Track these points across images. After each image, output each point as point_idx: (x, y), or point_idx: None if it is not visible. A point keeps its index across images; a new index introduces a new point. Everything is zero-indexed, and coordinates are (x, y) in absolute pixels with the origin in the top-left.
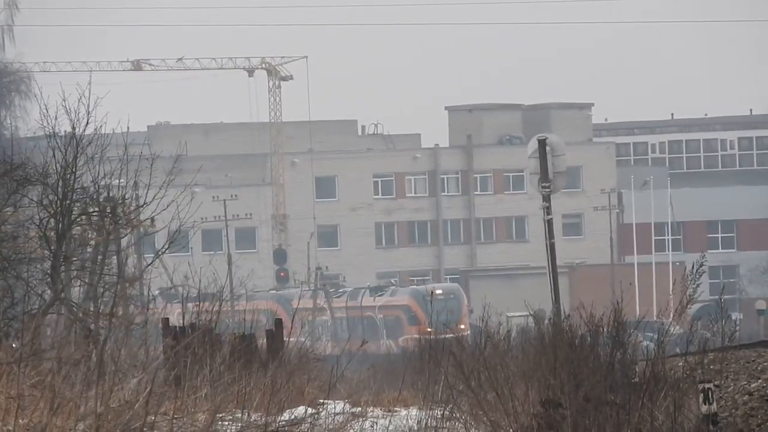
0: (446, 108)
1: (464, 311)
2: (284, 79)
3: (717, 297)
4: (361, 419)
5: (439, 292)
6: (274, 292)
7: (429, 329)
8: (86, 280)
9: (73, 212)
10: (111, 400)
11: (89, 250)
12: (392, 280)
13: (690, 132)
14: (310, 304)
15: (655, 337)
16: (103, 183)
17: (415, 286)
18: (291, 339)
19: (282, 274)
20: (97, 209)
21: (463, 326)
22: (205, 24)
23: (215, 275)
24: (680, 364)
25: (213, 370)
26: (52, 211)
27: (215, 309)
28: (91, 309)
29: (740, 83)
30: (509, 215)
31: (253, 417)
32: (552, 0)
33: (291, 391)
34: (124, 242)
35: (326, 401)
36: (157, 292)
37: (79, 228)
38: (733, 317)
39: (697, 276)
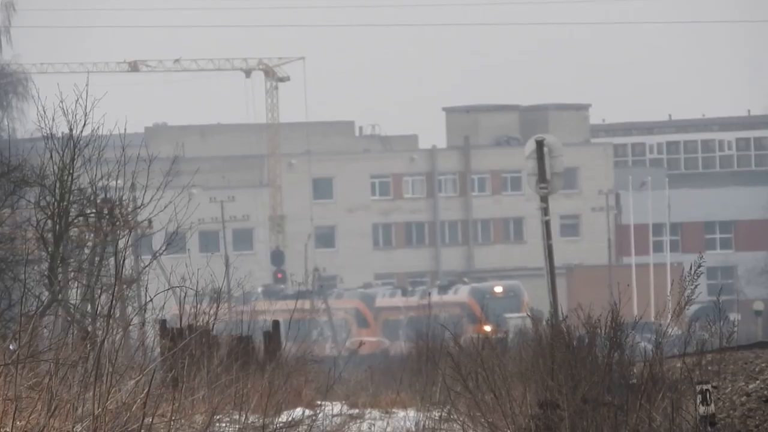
0: (443, 109)
1: (524, 309)
2: (281, 80)
3: (715, 298)
4: (358, 421)
5: (499, 290)
6: (362, 290)
7: (487, 328)
8: (84, 282)
9: (71, 214)
10: (108, 401)
11: (86, 251)
12: (464, 279)
13: (688, 133)
14: (394, 303)
15: (653, 338)
16: (100, 184)
17: (475, 284)
18: (371, 339)
19: (279, 275)
20: (94, 210)
21: None
22: (202, 25)
23: (212, 277)
24: (678, 365)
25: (210, 371)
26: (50, 213)
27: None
28: (89, 310)
29: (738, 84)
30: (507, 216)
31: (251, 418)
32: (551, 1)
33: (289, 392)
34: (121, 244)
35: (324, 403)
36: (260, 289)
37: (76, 229)
38: (731, 318)
39: (695, 277)
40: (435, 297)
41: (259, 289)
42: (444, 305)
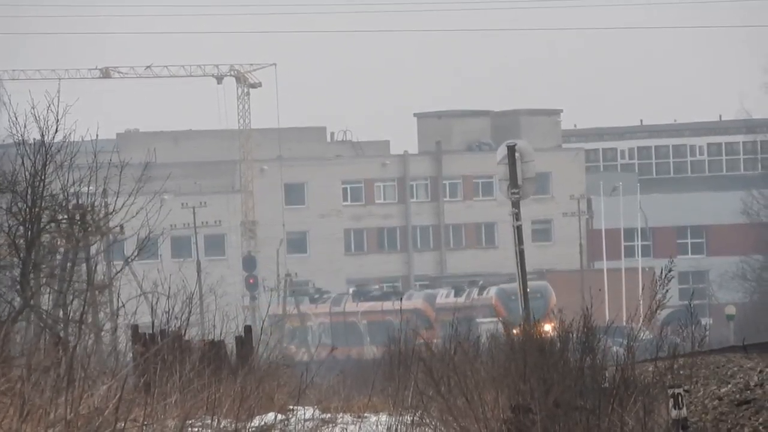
0: (415, 114)
1: (551, 312)
2: (253, 86)
3: (686, 302)
4: (330, 425)
5: None
6: (429, 291)
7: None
8: (55, 287)
9: (43, 219)
10: (81, 406)
11: (58, 257)
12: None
13: (659, 138)
14: (449, 303)
15: (625, 342)
16: (72, 190)
17: (502, 285)
18: (436, 342)
19: (251, 280)
20: (66, 216)
21: (548, 327)
22: (173, 32)
23: (184, 282)
24: (650, 369)
25: (183, 376)
26: (21, 219)
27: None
28: (61, 316)
29: (709, 89)
30: (478, 221)
31: (223, 423)
32: (521, 7)
33: (261, 397)
34: (93, 249)
35: (296, 407)
36: (351, 290)
37: (48, 235)
38: (703, 322)
39: (666, 281)
40: (475, 297)
41: (351, 290)
42: (478, 306)
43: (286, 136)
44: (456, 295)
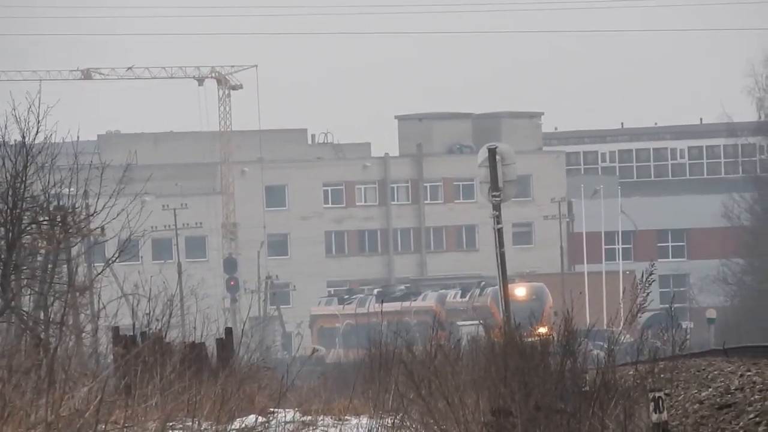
0: (396, 117)
1: (547, 313)
2: (234, 88)
3: (667, 306)
4: (311, 428)
5: (521, 293)
6: (443, 291)
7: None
8: (36, 289)
9: (23, 221)
10: (61, 408)
11: (39, 258)
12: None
13: (640, 141)
14: (455, 304)
15: (606, 345)
16: (53, 192)
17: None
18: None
19: (232, 282)
20: (47, 218)
21: (543, 329)
22: (155, 33)
23: (165, 284)
24: (631, 372)
25: (163, 378)
26: (2, 220)
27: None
28: (42, 317)
29: (690, 92)
30: (459, 224)
31: (204, 425)
32: (503, 10)
33: (241, 399)
34: (74, 251)
35: (277, 410)
36: (376, 291)
37: (29, 237)
38: (684, 326)
39: (647, 284)
40: (476, 298)
41: (375, 291)
42: (477, 308)
43: (267, 138)
44: (462, 296)
